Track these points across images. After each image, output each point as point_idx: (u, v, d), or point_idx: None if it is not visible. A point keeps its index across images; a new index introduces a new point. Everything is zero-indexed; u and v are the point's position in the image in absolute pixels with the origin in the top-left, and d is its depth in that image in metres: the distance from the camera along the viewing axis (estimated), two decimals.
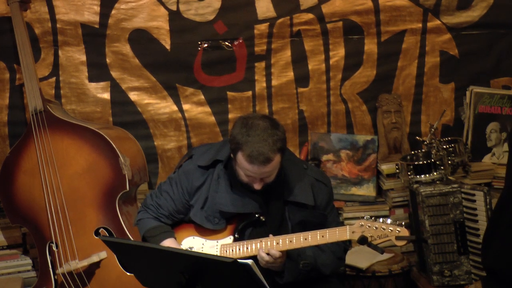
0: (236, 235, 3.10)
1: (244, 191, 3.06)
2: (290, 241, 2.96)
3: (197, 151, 3.25)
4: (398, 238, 2.86)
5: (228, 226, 3.12)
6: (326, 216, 3.15)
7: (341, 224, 3.37)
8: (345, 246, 3.18)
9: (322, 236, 2.94)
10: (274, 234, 3.02)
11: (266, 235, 3.03)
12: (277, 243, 2.97)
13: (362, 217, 2.93)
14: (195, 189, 3.15)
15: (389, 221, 2.89)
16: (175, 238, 3.18)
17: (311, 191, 3.12)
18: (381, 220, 2.89)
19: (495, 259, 3.02)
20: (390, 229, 2.86)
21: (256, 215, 3.08)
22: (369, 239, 2.86)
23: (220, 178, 3.11)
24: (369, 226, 2.88)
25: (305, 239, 2.95)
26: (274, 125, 2.94)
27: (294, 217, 3.11)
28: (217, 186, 3.11)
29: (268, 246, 2.98)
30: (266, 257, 2.96)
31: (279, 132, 2.93)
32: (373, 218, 2.90)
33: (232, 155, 3.00)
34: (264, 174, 2.95)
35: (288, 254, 3.03)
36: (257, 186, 2.99)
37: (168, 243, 3.13)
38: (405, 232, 2.86)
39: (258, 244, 3.01)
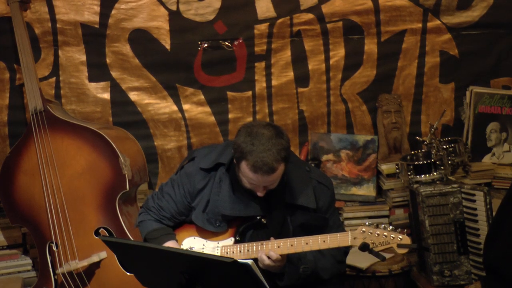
0: (237, 237, 3.10)
1: (246, 194, 3.06)
2: (291, 245, 2.96)
3: (199, 153, 3.25)
4: (399, 246, 2.85)
5: (229, 228, 3.12)
6: (327, 219, 3.14)
7: (342, 226, 3.38)
8: (345, 248, 3.17)
9: (324, 241, 2.94)
10: (275, 237, 3.02)
11: (267, 238, 3.03)
12: (278, 247, 2.97)
13: (364, 223, 2.92)
14: (197, 191, 3.15)
15: (391, 228, 2.88)
16: (177, 241, 3.18)
17: (313, 194, 3.11)
18: (383, 226, 2.88)
19: (498, 258, 3.02)
20: (392, 237, 2.85)
21: (258, 217, 3.08)
22: (371, 246, 2.85)
23: (222, 181, 3.11)
24: (371, 233, 2.87)
25: (306, 243, 2.95)
26: (279, 134, 2.93)
27: (296, 220, 3.11)
28: (219, 189, 3.10)
29: (269, 249, 2.98)
30: (267, 260, 2.96)
31: (283, 141, 2.93)
32: (375, 224, 2.90)
33: (235, 162, 3.00)
34: (267, 183, 2.95)
35: (289, 258, 3.03)
36: (260, 194, 2.99)
37: (169, 245, 3.13)
38: (407, 240, 2.85)
39: (259, 246, 3.01)
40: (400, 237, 2.85)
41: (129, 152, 3.85)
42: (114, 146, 3.74)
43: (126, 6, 4.13)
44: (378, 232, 2.86)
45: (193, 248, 3.14)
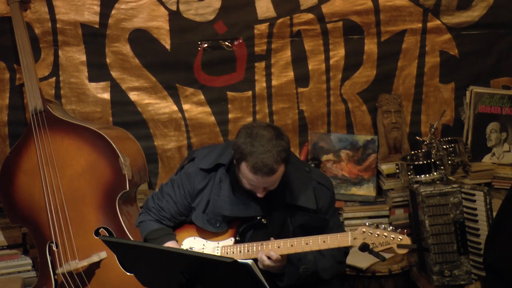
0: (237, 238, 3.10)
1: (246, 195, 3.06)
2: (291, 245, 2.96)
3: (199, 153, 3.24)
4: (399, 246, 2.85)
5: (229, 228, 3.12)
6: (327, 220, 3.14)
7: (343, 227, 3.38)
8: (345, 249, 3.17)
9: (324, 242, 2.94)
10: (275, 237, 3.02)
11: (267, 238, 3.03)
12: (278, 247, 2.97)
13: (364, 223, 2.92)
14: (197, 191, 3.15)
15: (391, 228, 2.89)
16: (177, 241, 3.18)
17: (313, 195, 3.11)
18: (383, 227, 2.89)
19: (498, 258, 3.03)
20: (392, 237, 2.85)
21: (258, 218, 3.08)
22: (371, 246, 2.85)
23: (222, 182, 3.11)
24: (371, 233, 2.87)
25: (307, 243, 2.95)
26: (279, 135, 2.93)
27: (296, 220, 3.11)
28: (219, 190, 3.10)
29: (269, 249, 2.98)
30: (267, 261, 2.96)
31: (283, 143, 2.93)
32: (375, 224, 2.90)
33: (235, 163, 3.00)
34: (267, 184, 2.96)
35: (289, 258, 3.03)
36: (260, 195, 2.99)
37: (170, 245, 3.12)
38: (407, 241, 2.85)
39: (259, 246, 3.01)
40: (400, 237, 2.85)
41: (129, 152, 3.85)
42: (114, 146, 3.74)
43: (126, 6, 4.13)
44: (378, 233, 2.86)
45: (193, 248, 3.14)
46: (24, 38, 3.87)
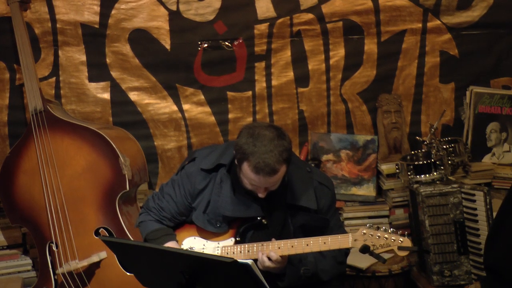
0: (237, 238, 3.10)
1: (247, 195, 3.06)
2: (292, 246, 2.96)
3: (199, 153, 3.24)
4: (400, 248, 2.86)
5: (230, 228, 3.12)
6: (328, 220, 3.15)
7: (343, 227, 3.37)
8: (346, 250, 3.17)
9: (324, 243, 2.94)
10: (276, 238, 3.02)
11: (268, 238, 3.03)
12: (279, 247, 2.97)
13: (365, 225, 2.92)
14: (197, 192, 3.15)
15: (391, 230, 2.89)
16: (177, 241, 3.18)
17: (314, 195, 3.11)
18: (383, 228, 2.89)
19: (498, 258, 3.02)
20: (392, 239, 2.85)
21: (258, 218, 3.08)
22: (371, 248, 2.85)
23: (222, 182, 3.11)
24: (371, 235, 2.87)
25: (307, 244, 2.95)
26: (280, 135, 2.93)
27: (296, 220, 3.11)
28: (220, 190, 3.10)
29: (270, 249, 2.98)
30: (267, 262, 2.96)
31: (285, 143, 2.93)
32: (375, 226, 2.90)
33: (237, 163, 3.00)
34: (269, 184, 2.96)
35: (290, 259, 3.03)
36: (261, 195, 2.99)
37: (170, 245, 3.12)
38: (407, 243, 2.86)
39: (260, 247, 3.01)
40: (401, 239, 2.85)
41: (129, 152, 3.85)
42: (114, 146, 3.74)
43: (126, 6, 4.13)
44: (378, 234, 2.86)
45: (194, 248, 3.14)
46: (24, 38, 3.87)
